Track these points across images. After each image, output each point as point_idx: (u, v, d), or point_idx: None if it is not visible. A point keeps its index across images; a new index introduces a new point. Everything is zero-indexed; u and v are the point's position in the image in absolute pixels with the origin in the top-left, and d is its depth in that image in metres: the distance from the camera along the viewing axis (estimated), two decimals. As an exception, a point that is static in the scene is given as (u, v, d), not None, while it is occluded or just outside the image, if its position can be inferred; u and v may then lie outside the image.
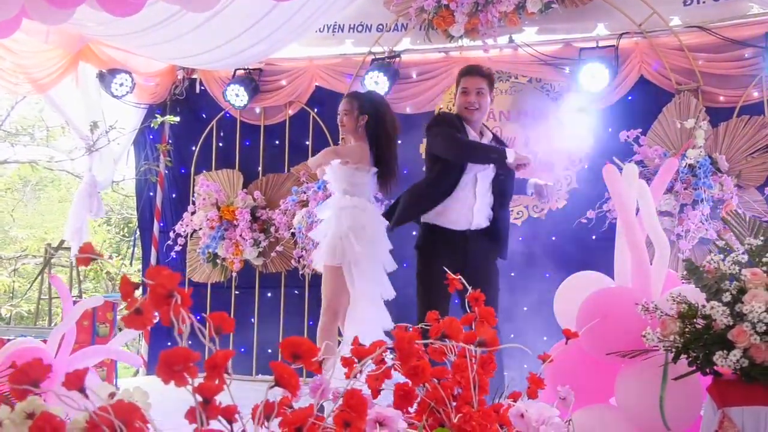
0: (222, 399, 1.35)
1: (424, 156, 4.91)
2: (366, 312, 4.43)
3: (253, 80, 6.64)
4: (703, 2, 5.59)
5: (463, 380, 1.83)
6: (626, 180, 3.14)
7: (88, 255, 1.39)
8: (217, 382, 1.34)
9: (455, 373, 1.84)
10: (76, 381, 1.29)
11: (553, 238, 6.00)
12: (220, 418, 1.36)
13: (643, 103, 5.79)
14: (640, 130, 5.42)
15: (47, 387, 1.55)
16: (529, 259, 6.04)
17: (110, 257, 11.68)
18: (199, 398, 1.30)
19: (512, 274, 6.10)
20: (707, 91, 5.58)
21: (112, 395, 1.63)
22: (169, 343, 6.79)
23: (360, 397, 1.44)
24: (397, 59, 6.30)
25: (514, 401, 1.94)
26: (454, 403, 1.82)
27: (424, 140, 6.33)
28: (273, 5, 5.36)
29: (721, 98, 5.59)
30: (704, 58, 5.60)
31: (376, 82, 6.12)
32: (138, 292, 1.36)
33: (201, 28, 5.46)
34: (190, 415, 1.31)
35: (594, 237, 5.63)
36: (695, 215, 5.14)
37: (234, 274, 6.67)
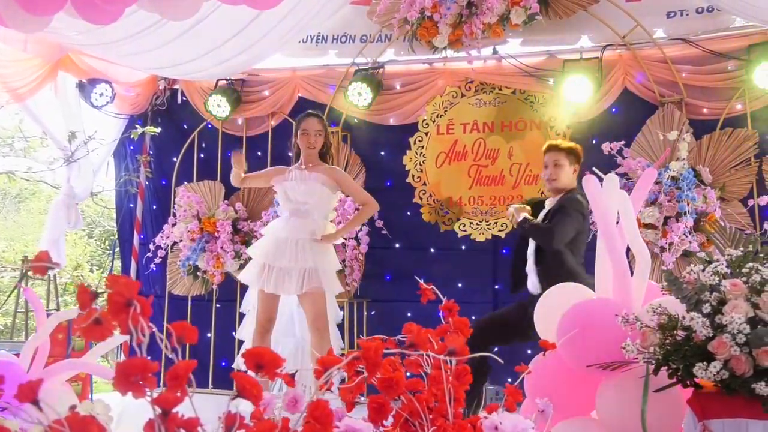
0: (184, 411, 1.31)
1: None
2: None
3: (236, 91, 6.59)
4: (687, 15, 5.60)
5: (439, 393, 1.79)
6: (607, 190, 3.11)
7: (42, 264, 1.34)
8: (178, 394, 1.30)
9: (431, 385, 1.80)
10: (29, 393, 1.23)
11: (538, 250, 5.96)
12: (181, 430, 1.32)
13: (627, 115, 5.79)
14: (623, 142, 5.41)
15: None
16: (514, 271, 6.01)
17: (78, 269, 11.53)
18: (158, 410, 1.25)
19: (497, 286, 6.08)
20: (691, 103, 5.59)
21: (73, 408, 1.58)
22: (149, 357, 6.66)
23: (325, 409, 1.39)
24: (381, 70, 6.27)
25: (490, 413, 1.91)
26: (430, 416, 1.78)
27: (408, 152, 6.34)
28: (256, 15, 5.33)
29: (705, 110, 5.59)
30: (688, 70, 5.60)
31: (360, 93, 6.09)
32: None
33: (182, 38, 5.41)
34: (149, 427, 1.26)
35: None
36: (679, 228, 5.12)
37: (215, 287, 6.59)
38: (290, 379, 1.89)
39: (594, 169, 3.24)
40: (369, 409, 1.73)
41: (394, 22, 5.93)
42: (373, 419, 1.72)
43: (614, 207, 3.09)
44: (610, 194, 3.09)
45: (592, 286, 4.05)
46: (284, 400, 1.74)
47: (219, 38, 5.61)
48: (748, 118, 5.47)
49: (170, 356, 1.36)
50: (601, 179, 3.15)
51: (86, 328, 1.31)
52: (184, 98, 6.89)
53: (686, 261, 5.28)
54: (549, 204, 4.58)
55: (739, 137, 5.41)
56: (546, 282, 4.29)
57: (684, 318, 2.59)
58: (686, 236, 5.16)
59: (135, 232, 6.97)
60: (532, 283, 4.47)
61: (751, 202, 5.25)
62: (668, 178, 5.19)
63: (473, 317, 5.66)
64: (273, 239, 4.71)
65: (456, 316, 1.98)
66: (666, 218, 5.24)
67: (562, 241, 4.30)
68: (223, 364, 6.55)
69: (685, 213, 5.13)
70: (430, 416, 1.78)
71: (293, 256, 4.59)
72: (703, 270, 2.64)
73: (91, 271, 12.41)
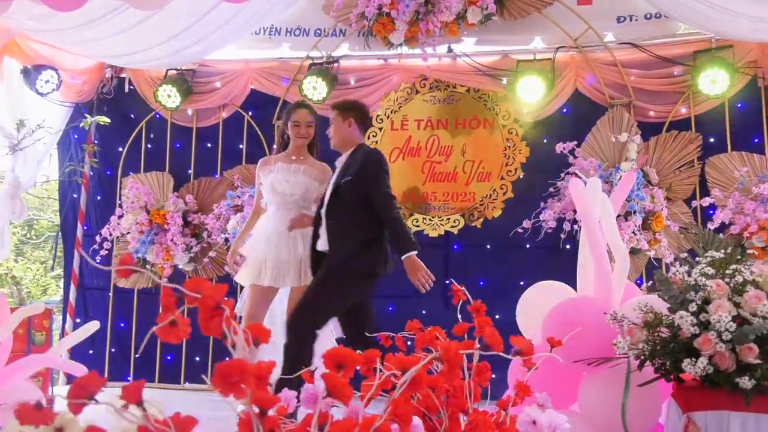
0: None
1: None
2: None
3: (186, 81, 6.46)
4: (636, 20, 5.80)
5: (453, 388, 1.84)
6: (590, 193, 3.23)
7: (128, 267, 1.33)
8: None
9: (444, 381, 1.85)
10: (134, 394, 1.23)
11: (488, 247, 6.08)
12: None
13: (578, 116, 5.96)
14: (575, 142, 5.55)
15: None
16: (464, 267, 6.11)
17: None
18: (256, 410, 1.27)
19: (447, 281, 6.15)
20: (639, 106, 5.80)
21: (125, 407, 1.57)
22: (91, 351, 6.52)
23: (408, 407, 1.42)
24: (336, 65, 6.26)
25: (503, 408, 1.97)
26: (447, 411, 1.83)
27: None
28: (213, 5, 5.27)
29: (652, 113, 5.81)
30: (636, 74, 5.81)
31: (315, 87, 6.07)
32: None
33: (137, 27, 5.31)
34: (244, 426, 1.28)
35: (528, 246, 5.74)
36: (628, 226, 5.31)
37: (163, 280, 6.45)
38: (309, 376, 1.91)
39: (577, 172, 3.36)
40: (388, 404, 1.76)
41: (351, 16, 5.94)
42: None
43: (597, 208, 3.21)
44: (593, 196, 3.21)
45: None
46: (303, 398, 1.76)
47: (174, 28, 5.52)
48: (693, 121, 5.73)
49: (244, 357, 1.38)
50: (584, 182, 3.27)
51: (162, 330, 1.32)
52: (131, 87, 6.72)
53: (633, 258, 5.49)
54: (339, 162, 4.44)
55: (684, 140, 5.65)
56: (334, 238, 4.18)
57: (668, 316, 2.73)
58: (635, 234, 5.36)
59: (79, 223, 6.77)
60: (322, 242, 4.27)
61: (694, 203, 5.49)
62: (619, 178, 5.37)
63: (423, 311, 5.76)
64: (264, 234, 4.61)
65: (482, 317, 2.03)
66: (616, 217, 5.42)
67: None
68: (168, 358, 6.45)
69: (634, 212, 5.32)
70: (448, 411, 1.83)
71: (286, 247, 4.53)
72: (689, 272, 2.78)
73: (16, 261, 11.99)
